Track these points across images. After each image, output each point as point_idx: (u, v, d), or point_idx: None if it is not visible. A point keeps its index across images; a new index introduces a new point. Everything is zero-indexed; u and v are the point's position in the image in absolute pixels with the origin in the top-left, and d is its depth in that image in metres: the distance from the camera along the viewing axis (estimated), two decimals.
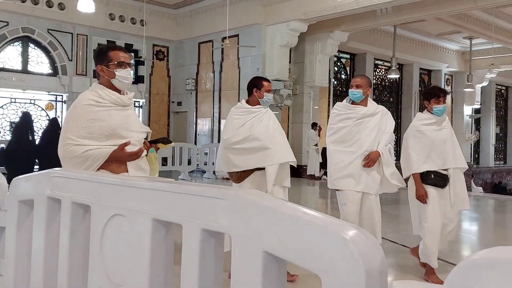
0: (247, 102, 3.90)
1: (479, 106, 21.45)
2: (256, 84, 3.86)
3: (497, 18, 14.38)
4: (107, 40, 13.18)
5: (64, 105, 13.18)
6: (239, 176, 3.74)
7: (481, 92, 21.11)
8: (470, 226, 6.89)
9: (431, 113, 3.83)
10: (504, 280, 0.71)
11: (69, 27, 12.91)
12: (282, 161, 3.73)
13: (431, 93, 3.84)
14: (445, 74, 20.02)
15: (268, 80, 3.92)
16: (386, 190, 3.84)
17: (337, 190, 3.79)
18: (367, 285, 0.96)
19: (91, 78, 13.00)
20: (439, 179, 3.72)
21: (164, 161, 11.75)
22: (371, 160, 3.67)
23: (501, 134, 24.13)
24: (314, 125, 13.36)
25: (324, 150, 13.79)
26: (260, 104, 3.84)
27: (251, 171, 3.70)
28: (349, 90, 3.85)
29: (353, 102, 3.87)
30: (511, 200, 10.21)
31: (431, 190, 3.70)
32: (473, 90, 19.19)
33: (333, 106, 18.87)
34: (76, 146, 2.53)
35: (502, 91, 24.22)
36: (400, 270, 4.07)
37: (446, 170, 3.76)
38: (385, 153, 3.73)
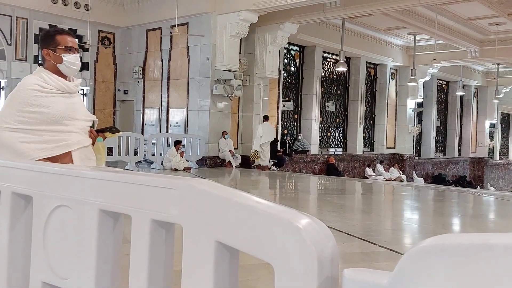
0: None
1: (421, 100, 22.30)
2: None
3: (440, 15, 14.96)
4: (49, 25, 12.64)
5: (3, 92, 12.56)
6: None
7: (423, 87, 21.93)
8: (411, 215, 7.16)
9: None
10: (451, 265, 0.75)
11: (8, 9, 12.28)
12: None
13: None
14: (390, 68, 20.65)
15: None
16: None
17: None
18: (319, 272, 0.97)
19: (32, 63, 12.45)
20: None
21: (110, 151, 11.46)
22: None
23: (441, 127, 25.25)
24: (265, 118, 13.28)
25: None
26: None
27: None
28: None
29: None
30: (449, 191, 10.70)
31: None
32: (416, 84, 19.91)
33: (283, 98, 18.99)
34: (13, 132, 2.43)
35: (443, 85, 25.27)
36: (347, 258, 4.17)
37: None
38: None
